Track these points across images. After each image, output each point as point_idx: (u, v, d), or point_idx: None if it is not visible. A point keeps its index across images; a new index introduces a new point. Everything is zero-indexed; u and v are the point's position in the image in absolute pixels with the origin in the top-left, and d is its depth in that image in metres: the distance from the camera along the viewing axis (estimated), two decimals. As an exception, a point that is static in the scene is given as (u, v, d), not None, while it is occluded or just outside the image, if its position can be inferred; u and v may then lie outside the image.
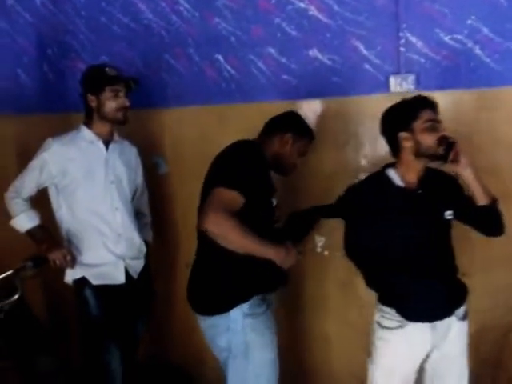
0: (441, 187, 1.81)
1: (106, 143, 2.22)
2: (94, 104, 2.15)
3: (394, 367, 1.81)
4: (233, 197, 1.66)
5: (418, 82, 2.23)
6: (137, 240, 2.29)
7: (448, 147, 1.70)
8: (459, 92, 2.20)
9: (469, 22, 2.14)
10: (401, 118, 1.76)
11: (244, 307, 1.79)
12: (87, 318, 2.21)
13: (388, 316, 1.80)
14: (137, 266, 2.29)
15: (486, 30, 2.13)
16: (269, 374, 1.85)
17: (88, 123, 2.21)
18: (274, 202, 1.91)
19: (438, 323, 1.78)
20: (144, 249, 2.34)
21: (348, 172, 2.35)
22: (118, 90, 2.13)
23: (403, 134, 1.75)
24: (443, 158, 1.71)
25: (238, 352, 1.80)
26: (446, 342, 1.81)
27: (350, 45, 2.32)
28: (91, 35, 2.84)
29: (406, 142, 1.75)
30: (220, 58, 2.54)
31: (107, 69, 2.13)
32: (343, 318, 2.51)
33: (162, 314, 2.69)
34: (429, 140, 1.72)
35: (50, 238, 2.12)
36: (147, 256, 2.37)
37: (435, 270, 1.78)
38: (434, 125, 1.73)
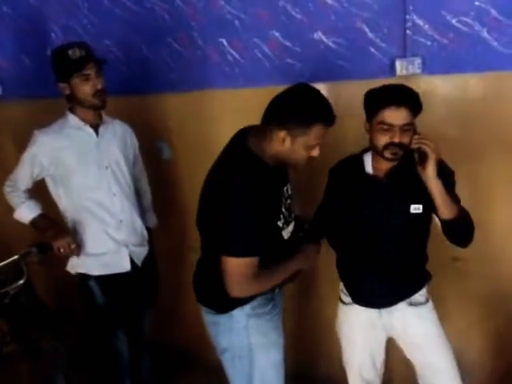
0: (418, 179, 1.68)
1: (95, 127, 2.13)
2: (67, 91, 2.04)
3: (353, 338, 1.92)
4: (247, 263, 1.57)
5: (424, 66, 2.20)
6: (139, 226, 2.25)
7: (420, 155, 1.64)
8: (466, 76, 2.17)
9: (476, 3, 2.10)
10: (367, 106, 1.73)
11: (246, 308, 1.73)
12: (93, 307, 2.18)
13: (345, 291, 1.92)
14: (141, 252, 2.26)
15: (494, 12, 2.08)
16: (274, 376, 1.80)
17: (72, 108, 2.12)
18: (286, 192, 1.77)
19: (384, 311, 1.83)
20: (147, 235, 2.31)
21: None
22: (87, 74, 1.99)
23: (366, 124, 1.75)
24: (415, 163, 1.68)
25: (242, 353, 1.75)
26: (408, 331, 1.84)
27: (356, 27, 2.28)
28: (94, 19, 2.82)
29: (367, 133, 1.75)
30: (224, 41, 2.52)
31: (70, 51, 1.97)
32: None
33: (166, 298, 2.70)
34: (378, 141, 1.69)
35: (55, 225, 2.08)
36: (150, 242, 2.34)
37: (385, 261, 1.79)
38: (387, 128, 1.64)
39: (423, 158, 1.63)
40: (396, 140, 1.64)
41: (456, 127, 2.19)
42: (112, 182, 2.13)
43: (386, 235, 1.77)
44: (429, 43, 2.20)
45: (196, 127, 2.61)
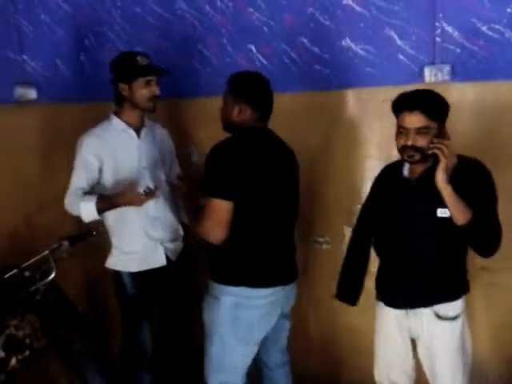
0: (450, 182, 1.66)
1: (137, 130, 2.25)
2: (125, 93, 2.17)
3: (383, 337, 1.93)
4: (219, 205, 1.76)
5: (453, 73, 2.19)
6: (173, 222, 2.32)
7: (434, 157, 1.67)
8: (496, 83, 2.15)
9: (508, 10, 2.09)
10: (393, 109, 1.76)
11: (232, 290, 1.83)
12: (123, 297, 2.28)
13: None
14: (175, 248, 2.32)
15: (526, 19, 2.07)
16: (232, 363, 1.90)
17: (118, 112, 2.24)
18: None
19: (411, 312, 1.82)
20: (182, 231, 2.38)
21: (380, 161, 2.34)
22: (150, 80, 2.14)
23: (397, 122, 1.76)
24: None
25: (218, 324, 1.87)
26: (426, 336, 1.82)
27: (385, 35, 2.29)
28: (126, 25, 2.88)
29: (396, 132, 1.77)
30: (253, 47, 2.55)
31: (139, 58, 2.14)
32: (368, 308, 2.50)
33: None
34: (397, 144, 1.74)
35: (114, 195, 2.12)
36: (186, 238, 2.40)
37: (414, 263, 1.79)
38: (402, 132, 1.69)
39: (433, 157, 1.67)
40: (408, 143, 1.68)
41: (486, 135, 2.17)
42: (149, 181, 2.21)
43: (416, 237, 1.77)
44: (458, 50, 2.19)
45: (224, 132, 2.63)
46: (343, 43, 2.38)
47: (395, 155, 2.29)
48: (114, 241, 2.26)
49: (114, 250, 2.26)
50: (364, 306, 2.43)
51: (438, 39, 2.20)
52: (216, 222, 1.76)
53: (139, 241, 2.22)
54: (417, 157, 1.69)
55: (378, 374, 1.98)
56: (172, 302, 2.42)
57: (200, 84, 2.65)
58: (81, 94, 2.92)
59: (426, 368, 1.88)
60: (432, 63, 2.22)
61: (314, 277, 2.54)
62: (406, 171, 1.83)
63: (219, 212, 1.76)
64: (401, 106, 1.70)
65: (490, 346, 2.31)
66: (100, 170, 2.19)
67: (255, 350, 1.94)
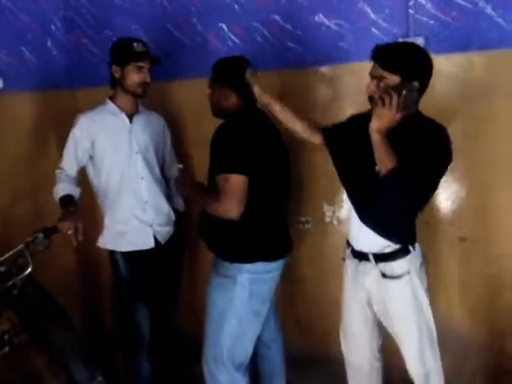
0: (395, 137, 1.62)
1: (131, 115, 2.31)
2: (117, 75, 2.22)
3: (345, 297, 1.96)
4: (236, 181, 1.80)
5: (427, 45, 2.17)
6: (164, 207, 2.38)
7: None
8: (470, 54, 2.14)
9: (480, -21, 2.07)
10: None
11: (248, 268, 1.89)
12: (118, 279, 2.36)
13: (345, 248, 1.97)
14: (165, 232, 2.37)
15: (498, -12, 2.05)
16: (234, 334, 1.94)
17: (112, 97, 2.31)
18: None
19: (361, 269, 1.85)
20: (173, 216, 2.42)
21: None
22: (142, 66, 2.20)
23: None
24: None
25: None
26: (380, 299, 1.83)
27: (358, 8, 2.26)
28: (93, 9, 2.80)
29: None
30: (224, 26, 2.50)
31: (135, 44, 2.19)
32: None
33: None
34: None
35: (70, 209, 2.12)
36: (178, 224, 2.45)
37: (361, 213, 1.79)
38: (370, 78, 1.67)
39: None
40: (368, 90, 1.67)
41: (460, 106, 2.17)
42: (140, 166, 2.30)
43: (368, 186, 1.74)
44: (432, 22, 2.17)
45: (197, 115, 2.59)
46: (316, 19, 2.34)
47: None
48: (106, 219, 2.33)
49: (104, 229, 2.34)
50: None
51: (411, 11, 2.18)
52: (236, 197, 1.79)
53: (129, 222, 2.29)
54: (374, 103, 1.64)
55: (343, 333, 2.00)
56: (162, 286, 2.44)
57: (171, 65, 2.59)
58: (49, 82, 2.84)
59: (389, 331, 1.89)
60: (406, 36, 2.19)
61: (296, 256, 2.53)
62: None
63: (238, 187, 1.79)
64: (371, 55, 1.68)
65: (470, 313, 2.34)
66: (91, 152, 2.26)
67: (262, 324, 2.00)
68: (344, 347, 2.02)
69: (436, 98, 2.00)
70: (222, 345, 1.94)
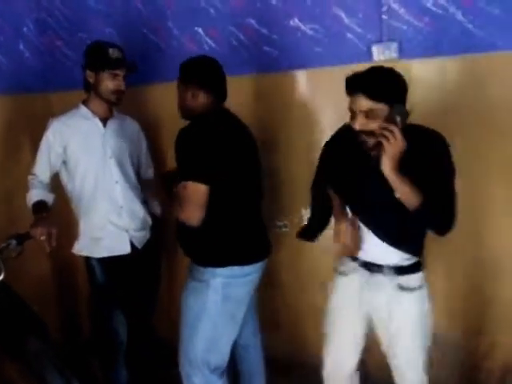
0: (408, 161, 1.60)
1: (104, 120, 2.28)
2: (91, 80, 2.19)
3: (335, 309, 1.90)
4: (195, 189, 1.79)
5: (400, 50, 2.20)
6: (140, 212, 2.35)
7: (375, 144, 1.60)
8: (442, 59, 2.18)
9: (451, -14, 2.10)
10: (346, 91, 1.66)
11: (221, 272, 1.88)
12: (94, 285, 2.34)
13: (342, 262, 1.91)
14: (141, 237, 2.35)
15: (467, -5, 2.09)
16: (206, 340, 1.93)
17: (86, 101, 2.27)
18: None
19: (371, 286, 1.80)
20: (150, 221, 2.40)
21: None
22: (117, 74, 2.17)
23: None
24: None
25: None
26: (392, 314, 1.79)
27: (332, 13, 2.27)
28: (66, 11, 2.77)
29: None
30: (200, 30, 2.49)
31: (111, 50, 2.15)
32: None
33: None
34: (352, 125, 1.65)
35: (42, 215, 2.09)
36: (154, 228, 2.43)
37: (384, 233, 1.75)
38: (352, 115, 1.63)
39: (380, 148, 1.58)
40: (356, 127, 1.60)
41: (434, 111, 2.19)
42: (115, 170, 2.27)
43: (378, 214, 1.73)
44: (405, 27, 2.20)
45: (174, 119, 2.57)
46: (291, 23, 2.35)
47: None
48: (81, 225, 2.30)
49: (80, 236, 2.31)
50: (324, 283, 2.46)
51: (384, 17, 2.20)
52: (195, 205, 1.79)
53: (104, 227, 2.26)
54: (371, 142, 1.61)
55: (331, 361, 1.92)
56: (139, 291, 2.42)
57: (147, 70, 2.57)
58: (21, 85, 2.79)
59: (384, 342, 1.87)
60: (379, 41, 2.22)
61: (274, 260, 2.54)
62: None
63: (196, 195, 1.79)
64: (347, 88, 1.63)
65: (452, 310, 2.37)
66: (64, 157, 2.23)
67: (239, 327, 2.00)
68: (327, 357, 1.94)
69: (410, 102, 2.03)
70: (197, 348, 1.94)
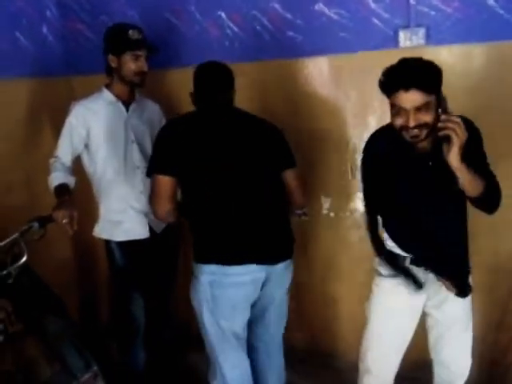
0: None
1: (127, 104, 2.28)
2: (114, 64, 2.19)
3: (387, 313, 1.83)
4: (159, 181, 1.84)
5: (428, 36, 2.15)
6: None
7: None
8: (470, 46, 2.12)
9: (483, -30, 2.04)
10: (381, 88, 1.62)
11: (205, 269, 1.85)
12: (113, 268, 2.37)
13: (384, 263, 1.82)
14: (160, 222, 2.32)
15: (500, -21, 2.02)
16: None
17: (109, 85, 2.26)
18: None
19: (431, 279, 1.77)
20: None
21: (356, 129, 2.32)
22: (138, 55, 2.16)
23: (389, 100, 1.63)
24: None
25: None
26: (445, 302, 1.80)
27: (358, -2, 2.22)
28: (89, -6, 2.76)
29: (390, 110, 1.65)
30: (222, 14, 2.46)
31: (130, 31, 2.15)
32: (351, 279, 2.51)
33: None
34: (394, 123, 1.60)
35: (65, 198, 2.09)
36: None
37: (438, 237, 1.72)
38: (399, 112, 1.56)
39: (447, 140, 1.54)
40: (410, 124, 1.55)
41: (461, 98, 2.14)
42: (137, 155, 2.28)
43: (429, 212, 1.71)
44: (433, 13, 2.14)
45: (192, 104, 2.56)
46: (316, 8, 2.30)
47: (371, 123, 2.28)
48: (101, 209, 2.32)
49: (100, 219, 2.33)
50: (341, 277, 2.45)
51: (412, 1, 2.15)
52: (160, 197, 1.84)
53: (124, 211, 2.28)
54: (423, 135, 1.57)
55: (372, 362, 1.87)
56: (157, 275, 2.44)
57: (168, 54, 2.55)
58: (44, 68, 2.79)
59: (433, 339, 1.88)
60: (407, 26, 2.17)
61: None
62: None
63: (160, 188, 1.83)
64: (393, 84, 1.56)
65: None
66: (86, 140, 2.23)
67: (237, 340, 1.92)
68: (371, 356, 1.88)
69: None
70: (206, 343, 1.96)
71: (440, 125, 1.52)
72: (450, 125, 1.51)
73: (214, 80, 1.89)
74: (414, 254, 1.76)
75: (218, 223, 1.85)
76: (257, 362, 2.09)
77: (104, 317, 2.88)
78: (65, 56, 2.89)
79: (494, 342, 2.32)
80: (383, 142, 1.75)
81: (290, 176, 1.96)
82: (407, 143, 1.64)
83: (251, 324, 2.00)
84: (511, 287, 2.25)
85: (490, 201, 1.67)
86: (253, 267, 1.84)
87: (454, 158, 1.52)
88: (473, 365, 2.15)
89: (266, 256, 1.88)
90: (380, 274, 1.85)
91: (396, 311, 1.81)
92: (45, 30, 2.85)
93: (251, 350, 2.06)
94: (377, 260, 1.86)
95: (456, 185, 1.61)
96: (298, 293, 2.65)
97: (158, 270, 2.42)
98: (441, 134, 1.53)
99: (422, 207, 1.72)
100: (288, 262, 1.95)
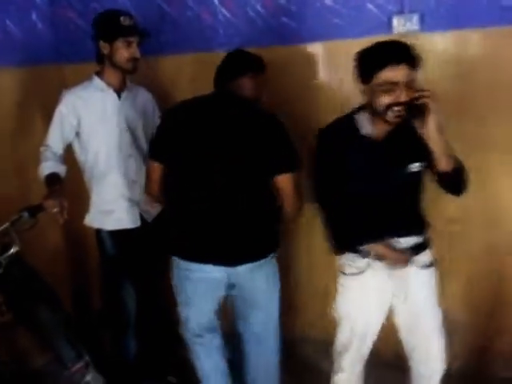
0: (416, 137, 1.62)
1: (119, 91, 2.25)
2: (105, 51, 2.16)
3: (353, 313, 1.84)
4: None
5: (422, 22, 2.13)
6: None
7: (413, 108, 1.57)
8: (466, 32, 2.10)
9: (477, -45, 2.02)
10: (362, 67, 1.64)
11: (173, 259, 1.93)
12: (104, 256, 2.36)
13: (349, 263, 1.82)
14: (152, 211, 2.34)
15: (495, -37, 2.01)
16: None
17: (100, 72, 2.23)
18: None
19: (395, 272, 1.77)
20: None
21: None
22: (131, 41, 2.14)
23: (361, 86, 1.66)
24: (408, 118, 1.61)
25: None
26: (409, 293, 1.80)
27: (352, -17, 2.20)
28: (80, -19, 2.71)
29: (363, 95, 1.67)
30: (215, 1, 2.43)
31: (122, 17, 2.12)
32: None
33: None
34: (381, 102, 1.59)
35: (55, 188, 2.08)
36: None
37: (391, 222, 1.75)
38: (390, 88, 1.57)
39: (420, 111, 1.56)
40: (402, 99, 1.56)
41: (455, 85, 2.13)
42: (129, 144, 2.26)
43: (389, 195, 1.72)
44: (427, -1, 2.12)
45: (187, 91, 2.52)
46: (310, -7, 2.28)
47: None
48: (93, 197, 2.31)
49: (91, 207, 2.32)
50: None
51: (406, -13, 2.13)
52: (150, 180, 1.92)
53: (116, 201, 2.27)
54: (402, 112, 1.59)
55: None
56: (148, 264, 2.44)
57: (160, 41, 2.52)
58: (34, 57, 2.75)
59: (404, 327, 1.87)
60: (401, 12, 2.15)
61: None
62: (365, 129, 1.70)
63: (150, 172, 1.91)
64: (383, 60, 1.56)
65: (459, 296, 2.35)
66: (77, 128, 2.21)
67: (200, 320, 1.99)
68: (347, 356, 1.89)
69: (430, 76, 1.97)
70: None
71: (417, 94, 1.55)
72: (426, 93, 1.54)
73: (225, 67, 1.90)
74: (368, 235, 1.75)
75: (184, 218, 1.88)
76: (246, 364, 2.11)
77: (96, 306, 2.87)
78: (55, 44, 2.85)
79: (482, 330, 2.34)
80: (339, 132, 1.76)
81: (282, 181, 1.80)
82: (362, 134, 1.69)
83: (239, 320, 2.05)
84: (500, 274, 2.26)
85: (460, 177, 1.68)
86: (209, 267, 1.84)
87: (431, 126, 1.55)
88: (461, 352, 2.17)
89: (224, 258, 1.84)
90: (344, 273, 1.85)
91: (364, 307, 1.82)
92: (34, 16, 2.81)
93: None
94: (341, 259, 1.85)
95: (411, 176, 1.69)
96: (288, 286, 2.64)
97: (148, 260, 2.41)
98: (420, 101, 1.55)
99: (375, 196, 1.73)
100: (256, 263, 1.86)
